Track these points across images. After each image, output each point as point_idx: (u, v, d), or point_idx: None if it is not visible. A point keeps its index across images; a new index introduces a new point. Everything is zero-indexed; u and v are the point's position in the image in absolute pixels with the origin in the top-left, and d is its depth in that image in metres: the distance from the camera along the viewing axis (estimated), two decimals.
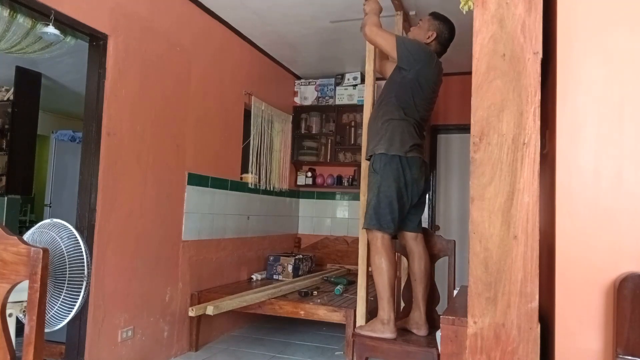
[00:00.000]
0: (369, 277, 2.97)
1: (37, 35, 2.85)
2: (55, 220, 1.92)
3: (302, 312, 3.51)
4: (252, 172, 4.56)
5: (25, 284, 1.06)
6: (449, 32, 2.70)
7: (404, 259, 2.84)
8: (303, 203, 5.76)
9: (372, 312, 2.96)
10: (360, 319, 2.88)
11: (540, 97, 1.11)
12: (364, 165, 2.96)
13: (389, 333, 2.41)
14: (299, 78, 5.61)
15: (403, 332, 2.52)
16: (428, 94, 2.61)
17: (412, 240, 2.61)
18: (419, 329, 2.50)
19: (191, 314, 3.44)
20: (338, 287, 4.05)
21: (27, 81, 5.01)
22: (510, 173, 1.11)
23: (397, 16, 3.51)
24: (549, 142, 1.24)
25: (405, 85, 2.55)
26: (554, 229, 1.11)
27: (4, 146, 5.26)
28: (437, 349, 2.19)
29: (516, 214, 1.10)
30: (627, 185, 1.07)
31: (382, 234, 2.47)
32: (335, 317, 3.43)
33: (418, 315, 2.52)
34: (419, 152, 2.55)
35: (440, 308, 2.29)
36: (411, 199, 2.52)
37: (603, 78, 1.10)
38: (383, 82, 2.80)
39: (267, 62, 4.90)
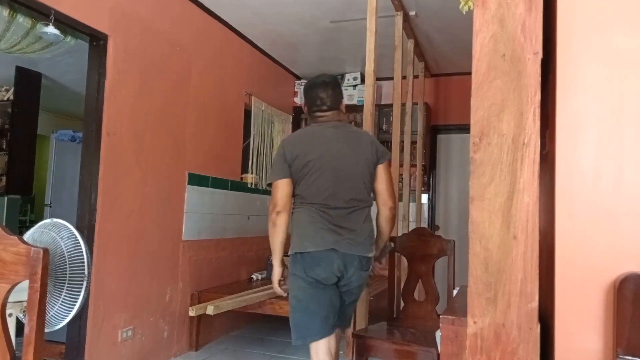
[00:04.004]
0: (369, 277, 2.97)
1: (37, 35, 2.85)
2: (55, 220, 1.92)
3: None
4: (252, 172, 4.56)
5: (25, 284, 1.06)
6: (308, 86, 2.36)
7: (404, 259, 2.84)
8: None
9: (372, 312, 2.96)
10: (361, 319, 2.88)
11: (540, 97, 1.11)
12: None
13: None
14: (299, 78, 5.61)
15: (403, 331, 2.52)
16: (316, 169, 2.17)
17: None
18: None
19: (191, 313, 3.44)
20: None
21: (27, 81, 5.01)
22: (510, 173, 1.11)
23: (397, 16, 3.51)
24: (549, 142, 1.24)
25: (295, 183, 2.23)
26: (554, 229, 1.11)
27: (4, 146, 5.27)
28: (437, 349, 2.19)
29: (516, 214, 1.09)
30: (627, 186, 1.07)
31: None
32: None
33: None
34: (329, 239, 2.13)
35: (440, 308, 2.29)
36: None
37: (603, 78, 1.10)
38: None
39: (267, 62, 4.90)
